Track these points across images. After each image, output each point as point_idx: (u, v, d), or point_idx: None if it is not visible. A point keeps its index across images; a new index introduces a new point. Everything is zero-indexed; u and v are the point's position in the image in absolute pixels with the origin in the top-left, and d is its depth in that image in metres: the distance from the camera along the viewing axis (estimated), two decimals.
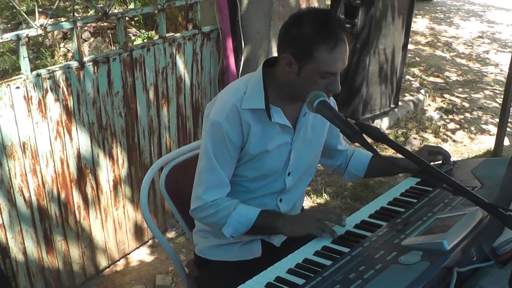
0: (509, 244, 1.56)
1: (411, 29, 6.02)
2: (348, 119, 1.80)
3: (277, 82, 2.02)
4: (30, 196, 2.95)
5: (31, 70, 2.81)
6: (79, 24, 2.97)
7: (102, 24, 6.77)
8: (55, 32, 6.43)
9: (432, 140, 5.62)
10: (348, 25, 4.88)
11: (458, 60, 8.62)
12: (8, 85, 2.73)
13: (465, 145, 5.60)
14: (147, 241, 3.86)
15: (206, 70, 3.87)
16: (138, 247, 3.79)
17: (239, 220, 2.02)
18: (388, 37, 5.14)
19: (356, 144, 1.72)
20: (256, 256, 2.23)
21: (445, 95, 6.97)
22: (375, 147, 2.13)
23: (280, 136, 2.08)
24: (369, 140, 1.70)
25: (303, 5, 4.02)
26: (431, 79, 7.51)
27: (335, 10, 4.97)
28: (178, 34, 3.63)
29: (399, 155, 1.72)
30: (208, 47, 3.81)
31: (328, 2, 5.93)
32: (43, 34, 3.43)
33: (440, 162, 2.39)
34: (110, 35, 6.68)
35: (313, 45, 1.86)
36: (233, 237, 2.04)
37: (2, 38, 2.64)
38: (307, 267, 1.73)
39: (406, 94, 6.44)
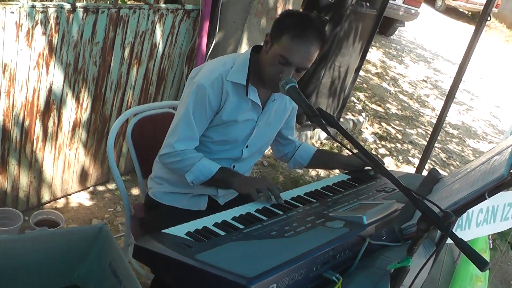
0: (414, 228, 1.98)
1: (366, 57, 6.48)
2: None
3: (258, 65, 2.34)
4: None
5: (27, 1, 3.00)
6: None
7: None
8: None
9: None
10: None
11: (401, 96, 9.15)
12: (4, 7, 2.91)
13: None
14: (89, 187, 4.07)
15: (179, 44, 4.13)
16: (79, 191, 4.00)
17: (201, 170, 2.32)
18: (345, 56, 5.51)
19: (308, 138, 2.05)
20: (201, 208, 2.54)
21: (383, 123, 7.44)
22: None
23: (249, 112, 2.41)
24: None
25: (280, 7, 4.35)
26: (373, 106, 7.97)
27: (320, 25, 5.28)
28: (163, 5, 3.88)
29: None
30: (186, 24, 4.07)
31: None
32: None
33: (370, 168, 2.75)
34: None
35: (284, 30, 2.19)
36: (193, 183, 2.34)
37: None
38: (247, 220, 2.02)
39: (348, 113, 6.85)
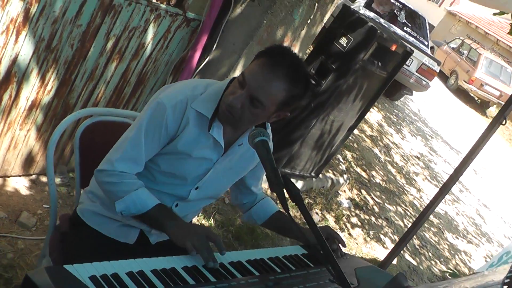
0: None
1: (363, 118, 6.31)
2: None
3: None
4: None
5: None
6: None
7: None
8: None
9: (331, 223, 5.80)
10: (313, 82, 5.01)
11: (389, 166, 8.96)
12: None
13: (357, 243, 5.82)
14: (31, 175, 3.79)
15: (170, 51, 3.90)
16: (20, 176, 3.72)
17: (135, 201, 2.05)
18: (342, 112, 5.30)
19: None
20: (128, 242, 2.27)
21: (363, 191, 7.22)
22: None
23: (208, 150, 2.15)
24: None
25: (287, 42, 4.14)
26: (358, 169, 7.77)
27: (311, 62, 5.11)
28: (163, 6, 3.65)
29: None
30: (183, 32, 3.85)
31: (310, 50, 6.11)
32: None
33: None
34: None
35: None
36: (122, 214, 2.07)
37: None
38: (169, 277, 1.77)
39: (329, 171, 6.63)
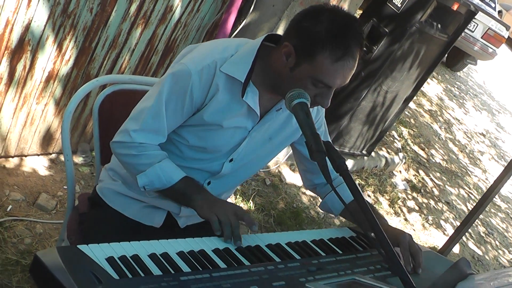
0: None
1: (421, 88, 6.15)
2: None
3: (268, 65, 2.01)
4: None
5: None
6: None
7: None
8: None
9: (385, 207, 5.73)
10: (364, 48, 4.92)
11: (451, 145, 8.82)
12: None
13: (414, 230, 5.73)
14: (51, 154, 3.81)
15: (201, 14, 3.86)
16: (38, 155, 3.74)
17: (159, 174, 2.01)
18: (396, 82, 5.20)
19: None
20: (154, 225, 2.24)
21: (420, 171, 7.12)
22: None
23: (242, 118, 2.07)
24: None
25: (334, 2, 4.06)
26: (415, 148, 7.66)
27: (360, 25, 5.02)
28: None
29: None
30: None
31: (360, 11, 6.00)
32: None
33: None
34: None
35: (319, 47, 1.86)
36: (145, 188, 2.03)
37: None
38: (196, 261, 1.72)
39: (383, 149, 6.55)
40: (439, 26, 4.96)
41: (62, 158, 3.84)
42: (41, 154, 3.78)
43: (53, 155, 3.83)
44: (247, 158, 2.21)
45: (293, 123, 2.15)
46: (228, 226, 1.88)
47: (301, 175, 2.50)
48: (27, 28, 3.08)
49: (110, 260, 1.54)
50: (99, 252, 1.56)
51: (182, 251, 1.73)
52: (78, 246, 1.55)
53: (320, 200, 2.50)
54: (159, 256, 1.66)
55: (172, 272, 1.60)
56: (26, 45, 3.15)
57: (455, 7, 4.86)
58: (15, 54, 3.15)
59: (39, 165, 3.69)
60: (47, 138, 3.72)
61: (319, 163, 1.68)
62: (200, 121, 2.03)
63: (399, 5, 4.75)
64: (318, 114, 2.26)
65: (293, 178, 5.12)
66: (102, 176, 2.35)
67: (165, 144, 2.09)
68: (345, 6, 4.14)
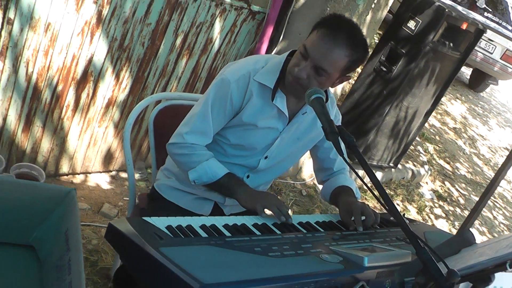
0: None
1: (445, 108, 6.30)
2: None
3: None
4: (32, 72, 3.23)
5: None
6: None
7: None
8: None
9: (413, 214, 5.89)
10: (384, 69, 5.18)
11: (475, 159, 8.90)
12: None
13: None
14: (111, 171, 4.13)
15: (237, 44, 4.16)
16: (100, 172, 4.06)
17: (206, 170, 2.30)
18: (416, 98, 5.41)
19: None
20: (203, 213, 2.51)
21: (446, 182, 7.25)
22: None
23: (273, 120, 2.36)
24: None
25: None
26: (441, 162, 7.79)
27: (380, 49, 5.28)
28: (228, 0, 3.92)
29: None
30: (249, 25, 4.09)
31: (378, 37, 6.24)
32: None
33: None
34: None
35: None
36: (195, 182, 2.32)
37: None
38: (238, 231, 1.99)
39: (409, 162, 6.72)
40: (451, 44, 5.17)
41: (121, 174, 4.16)
42: (103, 172, 4.10)
43: (114, 172, 4.15)
44: (279, 156, 2.49)
45: (318, 126, 2.39)
46: (274, 207, 2.17)
47: (315, 173, 2.77)
48: (90, 61, 3.42)
49: (169, 227, 1.82)
50: (160, 222, 1.84)
51: (227, 224, 2.01)
52: (143, 218, 1.84)
53: None
54: (208, 227, 1.94)
55: (216, 236, 1.87)
56: (89, 76, 3.49)
57: (464, 26, 5.06)
58: (80, 84, 3.49)
59: (102, 180, 4.01)
60: (108, 157, 4.04)
61: (333, 142, 1.94)
62: (239, 122, 2.33)
63: (413, 28, 5.00)
64: (332, 109, 2.52)
65: None
66: (158, 176, 2.65)
67: (211, 144, 2.39)
68: (364, 31, 4.39)
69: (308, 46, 2.17)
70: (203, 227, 1.92)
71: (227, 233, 1.92)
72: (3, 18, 2.99)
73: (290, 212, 2.26)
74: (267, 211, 2.21)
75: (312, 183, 5.29)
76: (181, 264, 1.49)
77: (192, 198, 2.51)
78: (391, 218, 2.52)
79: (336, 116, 2.56)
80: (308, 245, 1.96)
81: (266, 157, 2.46)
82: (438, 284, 1.58)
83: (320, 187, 2.75)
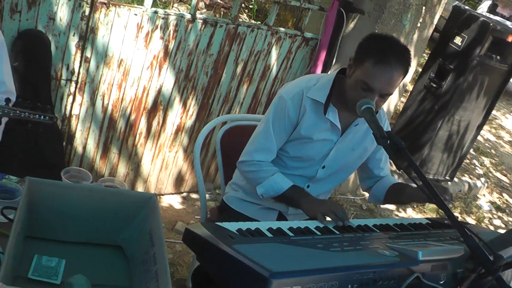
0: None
1: (499, 122, 6.23)
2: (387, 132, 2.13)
3: (341, 88, 2.42)
4: (108, 104, 3.46)
5: (151, 6, 3.33)
6: None
7: (218, 1, 7.34)
8: None
9: None
10: (434, 85, 5.24)
11: None
12: (130, 9, 3.24)
13: None
14: (182, 192, 4.32)
15: (293, 70, 4.30)
16: (172, 193, 4.26)
17: (272, 185, 2.45)
18: (467, 111, 5.43)
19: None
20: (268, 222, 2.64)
21: (504, 194, 7.15)
22: None
23: (327, 132, 2.49)
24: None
25: None
26: (497, 174, 7.69)
27: (429, 66, 5.34)
28: (282, 29, 4.07)
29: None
30: (303, 51, 4.24)
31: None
32: None
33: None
34: (221, 13, 7.24)
35: (367, 55, 2.26)
36: (263, 196, 2.47)
37: None
38: (302, 232, 2.10)
39: (465, 175, 6.68)
40: (498, 57, 5.17)
41: (192, 195, 4.33)
42: (175, 193, 4.29)
43: (185, 194, 4.33)
44: (336, 165, 2.61)
45: (371, 136, 2.46)
46: (331, 214, 2.27)
47: (360, 180, 2.87)
48: (159, 92, 3.63)
49: (239, 230, 1.96)
50: (230, 226, 1.98)
51: (291, 227, 2.13)
52: (216, 223, 1.99)
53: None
54: (274, 229, 2.07)
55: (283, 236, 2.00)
56: (159, 105, 3.70)
57: (510, 39, 5.05)
58: (151, 113, 3.70)
59: (174, 201, 4.20)
60: (179, 180, 4.23)
61: (384, 146, 2.04)
62: (297, 136, 2.48)
63: (460, 44, 5.05)
64: (381, 119, 2.60)
65: None
66: (227, 190, 2.81)
67: (274, 158, 2.54)
68: (412, 49, 4.48)
69: (368, 81, 2.24)
70: (269, 229, 2.05)
71: (291, 234, 2.04)
72: (81, 57, 3.23)
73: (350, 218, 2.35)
74: (328, 219, 2.31)
75: None
76: (252, 257, 1.62)
77: (258, 208, 2.65)
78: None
79: (387, 128, 2.65)
80: (366, 242, 2.07)
81: (323, 167, 2.58)
82: (486, 268, 1.65)
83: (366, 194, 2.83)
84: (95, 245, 1.84)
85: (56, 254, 1.74)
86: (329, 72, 4.34)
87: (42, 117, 2.09)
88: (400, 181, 2.83)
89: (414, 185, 2.44)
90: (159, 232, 1.65)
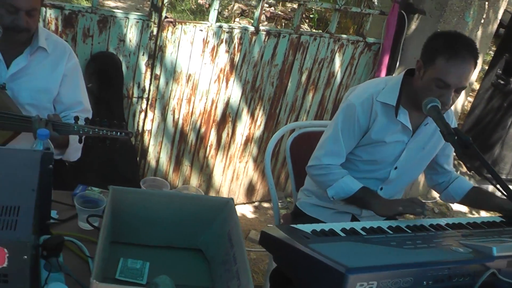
0: None
1: None
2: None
3: (410, 89, 2.46)
4: (178, 118, 3.59)
5: (215, 21, 3.45)
6: None
7: (279, 12, 7.44)
8: (235, 7, 7.17)
9: None
10: (502, 82, 5.14)
11: None
12: (195, 26, 3.37)
13: None
14: (254, 202, 4.41)
15: (358, 75, 4.34)
16: (244, 203, 4.35)
17: (343, 187, 2.49)
18: None
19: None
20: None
21: None
22: None
23: (398, 134, 2.52)
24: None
25: None
26: None
27: (496, 63, 5.25)
28: (344, 36, 4.13)
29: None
30: (366, 57, 4.27)
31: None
32: None
33: None
34: (283, 24, 7.33)
35: (437, 54, 2.27)
36: (333, 198, 2.51)
37: None
38: (375, 231, 2.14)
39: None
40: None
41: (264, 204, 4.42)
42: (247, 203, 4.38)
43: (256, 203, 4.42)
44: (407, 165, 2.63)
45: (438, 134, 2.49)
46: (408, 207, 2.30)
47: (427, 177, 2.88)
48: (227, 104, 3.74)
49: (313, 231, 2.02)
50: (305, 227, 2.03)
51: (364, 227, 2.17)
52: (291, 225, 2.05)
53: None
54: (347, 229, 2.12)
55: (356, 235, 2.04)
56: (228, 117, 3.81)
57: None
58: (220, 125, 3.81)
59: (246, 210, 4.29)
60: (250, 189, 4.32)
61: (451, 142, 2.07)
62: (369, 140, 2.51)
63: None
64: (449, 117, 2.61)
65: (459, 205, 5.32)
66: (299, 196, 2.86)
67: (345, 163, 2.58)
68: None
69: (443, 77, 2.26)
70: (343, 230, 2.09)
71: (364, 233, 2.08)
72: (151, 74, 3.37)
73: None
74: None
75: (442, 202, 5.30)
76: (328, 255, 1.67)
77: (331, 212, 2.69)
78: None
79: (454, 125, 2.66)
80: (438, 240, 2.09)
81: (395, 168, 2.60)
82: None
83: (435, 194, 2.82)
84: (176, 249, 1.93)
85: (140, 257, 1.84)
86: (393, 75, 4.35)
87: (119, 133, 2.22)
88: (472, 182, 2.82)
89: (498, 193, 2.45)
90: (238, 234, 1.72)
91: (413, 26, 4.25)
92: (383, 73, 4.30)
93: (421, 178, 4.68)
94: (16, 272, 1.31)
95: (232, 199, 1.89)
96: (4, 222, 1.32)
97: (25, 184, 1.47)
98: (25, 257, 1.29)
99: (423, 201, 2.49)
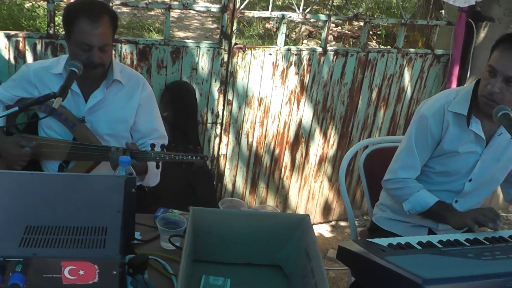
0: None
1: None
2: None
3: None
4: (252, 141, 3.69)
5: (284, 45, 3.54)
6: (332, 19, 3.63)
7: (346, 31, 7.48)
8: (302, 29, 7.26)
9: None
10: None
11: None
12: (264, 50, 3.47)
13: None
14: (331, 221, 4.43)
15: (428, 89, 4.33)
16: (321, 223, 4.38)
17: (418, 201, 2.51)
18: None
19: None
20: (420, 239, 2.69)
21: None
22: None
23: (471, 144, 2.51)
24: None
25: None
26: None
27: None
28: (412, 49, 4.13)
29: None
30: (436, 69, 4.26)
31: None
32: (302, 19, 4.12)
33: None
34: (351, 43, 7.37)
35: (496, 46, 2.30)
36: (409, 212, 2.53)
37: (271, 14, 3.40)
38: (451, 244, 2.14)
39: None
40: None
41: (340, 223, 4.44)
42: (324, 222, 4.41)
43: (333, 222, 4.44)
44: (482, 177, 2.61)
45: None
46: (479, 218, 2.29)
47: (504, 191, 2.83)
48: (299, 125, 3.81)
49: (390, 244, 2.05)
50: (381, 241, 2.07)
51: (441, 240, 2.18)
52: (367, 239, 2.09)
53: None
54: (423, 242, 2.13)
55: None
56: (301, 138, 3.87)
57: None
58: (293, 146, 3.88)
59: (323, 230, 4.32)
60: (326, 209, 4.36)
61: None
62: (441, 151, 2.52)
63: None
64: None
65: None
66: (375, 211, 2.89)
67: (419, 175, 2.60)
68: None
69: (493, 64, 2.29)
70: (419, 243, 2.11)
71: (441, 246, 2.09)
72: (224, 100, 3.48)
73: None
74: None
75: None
76: (404, 266, 1.70)
77: (407, 226, 2.70)
78: None
79: None
80: None
81: (470, 180, 2.59)
82: None
83: None
84: (255, 265, 2.00)
85: (221, 274, 1.92)
86: (465, 86, 4.31)
87: (194, 157, 2.32)
88: None
89: None
90: (315, 248, 1.78)
91: (482, 34, 4.21)
92: (453, 84, 4.26)
93: (501, 192, 4.59)
94: (106, 287, 1.41)
95: (308, 215, 1.95)
96: (94, 241, 1.43)
97: (111, 207, 1.58)
98: (114, 272, 1.39)
99: (502, 214, 2.45)
